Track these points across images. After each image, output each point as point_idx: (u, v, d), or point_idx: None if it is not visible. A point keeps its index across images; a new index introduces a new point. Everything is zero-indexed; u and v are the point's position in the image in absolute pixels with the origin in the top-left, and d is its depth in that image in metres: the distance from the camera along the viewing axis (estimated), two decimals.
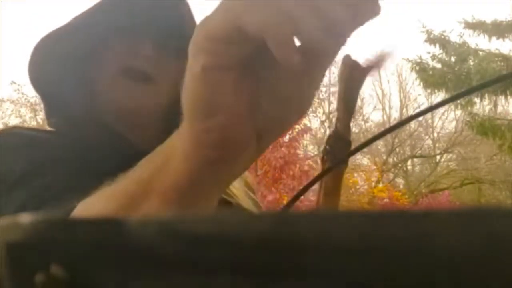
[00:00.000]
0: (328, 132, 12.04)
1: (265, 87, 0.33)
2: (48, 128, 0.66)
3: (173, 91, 0.62)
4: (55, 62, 0.63)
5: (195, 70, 0.31)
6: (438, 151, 13.57)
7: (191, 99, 0.32)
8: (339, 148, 0.83)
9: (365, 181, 12.26)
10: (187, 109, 0.32)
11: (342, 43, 0.31)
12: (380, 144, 12.72)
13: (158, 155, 0.35)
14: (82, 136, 0.62)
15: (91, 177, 0.40)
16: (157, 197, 0.33)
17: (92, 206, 0.36)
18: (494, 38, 8.53)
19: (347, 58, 0.85)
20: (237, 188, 0.64)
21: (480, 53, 8.22)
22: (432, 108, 0.51)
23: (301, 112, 0.35)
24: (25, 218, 0.17)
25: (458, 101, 7.93)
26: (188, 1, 0.68)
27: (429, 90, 8.86)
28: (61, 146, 0.60)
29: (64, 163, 0.55)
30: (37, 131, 0.63)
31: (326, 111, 12.36)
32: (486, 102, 8.61)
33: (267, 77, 0.33)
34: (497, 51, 8.22)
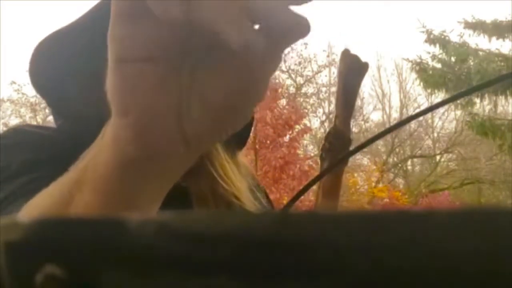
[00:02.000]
0: (327, 131, 11.96)
1: (197, 88, 0.28)
2: (54, 126, 0.67)
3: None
4: (58, 63, 0.64)
5: (109, 60, 0.27)
6: (438, 151, 13.57)
7: (108, 92, 0.28)
8: (339, 146, 0.82)
9: (365, 181, 12.26)
10: (109, 101, 0.29)
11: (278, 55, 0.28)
12: (380, 144, 12.72)
13: (95, 144, 0.33)
14: (88, 134, 0.62)
15: None
16: (88, 186, 0.30)
17: (39, 198, 0.34)
18: (494, 38, 8.53)
19: (346, 52, 0.84)
20: (240, 189, 0.64)
21: (480, 53, 8.22)
22: (432, 108, 0.51)
23: (236, 124, 0.30)
24: (25, 217, 0.17)
25: (458, 101, 7.93)
26: None
27: (429, 90, 8.86)
28: (63, 144, 0.60)
29: (59, 162, 0.56)
30: (43, 129, 0.63)
31: (326, 111, 12.36)
32: (486, 102, 8.60)
33: (200, 77, 0.28)
34: (497, 51, 8.22)
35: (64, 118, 0.66)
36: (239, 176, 0.64)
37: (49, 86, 0.65)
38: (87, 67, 0.65)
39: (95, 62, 0.66)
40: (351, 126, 0.87)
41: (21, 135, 0.60)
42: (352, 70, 0.84)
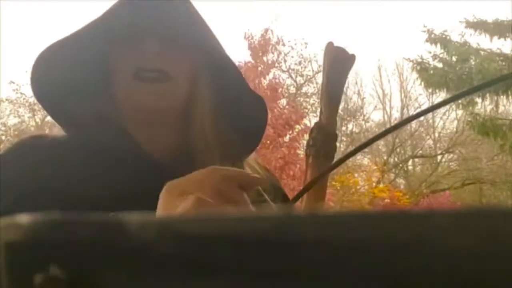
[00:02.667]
0: None
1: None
2: (62, 134, 0.67)
3: (189, 85, 0.65)
4: (59, 74, 0.64)
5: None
6: (439, 151, 13.55)
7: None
8: (322, 141, 0.79)
9: (366, 181, 12.24)
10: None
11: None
12: (381, 144, 12.70)
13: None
14: (94, 142, 0.63)
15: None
16: None
17: None
18: (495, 38, 8.51)
19: (330, 45, 0.81)
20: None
21: (482, 52, 8.20)
22: (433, 108, 0.50)
23: None
24: (25, 218, 0.17)
25: (460, 101, 7.92)
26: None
27: (430, 90, 8.85)
28: (66, 163, 0.60)
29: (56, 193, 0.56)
30: (48, 142, 0.63)
31: None
32: (487, 102, 8.59)
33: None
34: (498, 51, 8.21)
35: (66, 126, 0.66)
36: None
37: (50, 96, 0.66)
38: (88, 77, 0.65)
39: (96, 71, 0.66)
40: (337, 121, 0.85)
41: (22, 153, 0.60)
42: (337, 63, 0.81)
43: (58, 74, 0.64)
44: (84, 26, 0.63)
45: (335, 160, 0.81)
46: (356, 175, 11.75)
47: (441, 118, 13.46)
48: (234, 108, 0.68)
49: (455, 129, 13.31)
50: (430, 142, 13.83)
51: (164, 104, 0.63)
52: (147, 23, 0.63)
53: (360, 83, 13.40)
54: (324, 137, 0.80)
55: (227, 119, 0.68)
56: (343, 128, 12.98)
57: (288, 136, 8.51)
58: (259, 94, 0.71)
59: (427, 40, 8.64)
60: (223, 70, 0.67)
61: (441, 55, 8.52)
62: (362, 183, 12.19)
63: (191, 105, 0.66)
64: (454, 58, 8.37)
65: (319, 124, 0.83)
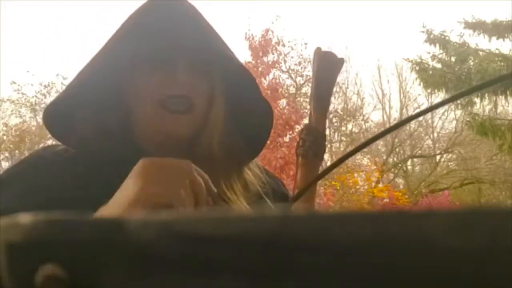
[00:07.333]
0: (327, 131, 11.88)
1: None
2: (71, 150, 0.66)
3: (207, 107, 0.65)
4: (75, 91, 0.63)
5: None
6: (438, 151, 13.56)
7: None
8: (311, 142, 0.83)
9: (365, 181, 12.24)
10: None
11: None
12: (380, 144, 12.71)
13: None
14: (103, 156, 0.62)
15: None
16: None
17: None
18: (494, 38, 8.52)
19: (318, 50, 0.84)
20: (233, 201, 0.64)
21: (480, 53, 8.21)
22: (432, 108, 0.51)
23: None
24: (25, 218, 0.17)
25: (458, 101, 7.93)
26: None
27: (429, 90, 8.85)
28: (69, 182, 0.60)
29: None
30: (56, 157, 0.63)
31: None
32: (486, 102, 8.60)
33: None
34: (497, 51, 8.21)
35: (74, 142, 0.66)
36: (237, 190, 0.65)
37: (58, 115, 0.65)
38: (102, 95, 0.65)
39: (110, 88, 0.65)
40: (326, 122, 0.88)
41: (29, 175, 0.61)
42: (325, 67, 0.84)
43: (72, 93, 0.63)
44: (106, 45, 0.62)
45: (335, 160, 0.82)
46: (355, 175, 11.75)
47: (440, 118, 13.48)
48: (244, 115, 0.69)
49: (454, 129, 13.32)
50: (429, 142, 13.84)
51: (185, 131, 0.64)
52: (177, 47, 0.62)
53: (360, 84, 13.43)
54: (313, 138, 0.83)
55: (235, 126, 0.68)
56: (343, 128, 12.99)
57: (288, 136, 8.52)
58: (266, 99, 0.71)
59: (426, 41, 8.65)
60: (238, 79, 0.66)
61: (440, 56, 8.53)
62: (361, 183, 12.19)
63: (204, 124, 0.66)
64: (453, 59, 8.38)
65: (308, 125, 0.86)
